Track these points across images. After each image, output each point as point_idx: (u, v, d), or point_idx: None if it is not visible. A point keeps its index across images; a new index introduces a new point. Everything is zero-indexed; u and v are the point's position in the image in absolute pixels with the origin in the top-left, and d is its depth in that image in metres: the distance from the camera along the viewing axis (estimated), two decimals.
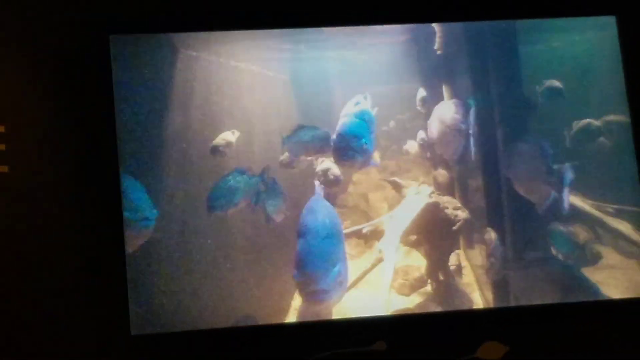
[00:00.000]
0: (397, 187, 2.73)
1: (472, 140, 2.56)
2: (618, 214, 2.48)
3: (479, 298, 2.49)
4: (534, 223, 2.47)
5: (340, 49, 2.64)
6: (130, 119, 2.26)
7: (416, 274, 2.55)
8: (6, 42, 2.26)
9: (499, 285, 2.46)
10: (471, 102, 2.59)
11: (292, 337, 2.27)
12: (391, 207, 2.75)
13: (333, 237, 2.27)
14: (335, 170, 2.71)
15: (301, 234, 2.24)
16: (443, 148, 2.68)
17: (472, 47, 2.57)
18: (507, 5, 2.43)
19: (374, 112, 2.58)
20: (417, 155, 2.85)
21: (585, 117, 2.60)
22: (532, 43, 2.54)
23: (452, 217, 2.55)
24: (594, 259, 2.47)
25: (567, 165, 2.34)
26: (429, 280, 2.53)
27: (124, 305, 2.18)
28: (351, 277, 2.41)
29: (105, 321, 2.20)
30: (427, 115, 2.69)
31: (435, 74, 2.71)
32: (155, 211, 2.25)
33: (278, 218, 2.52)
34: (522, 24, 2.51)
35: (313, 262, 2.16)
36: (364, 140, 2.43)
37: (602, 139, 2.47)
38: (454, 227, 2.53)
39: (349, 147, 2.43)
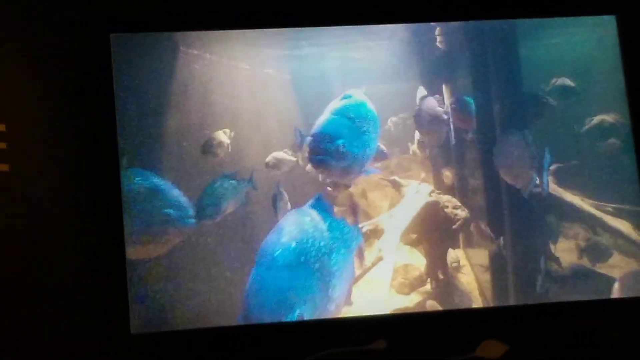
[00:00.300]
0: (397, 185, 2.72)
1: (452, 127, 2.65)
2: (618, 213, 2.48)
3: (478, 297, 2.50)
4: (534, 223, 2.48)
5: (340, 48, 2.61)
6: (131, 118, 2.26)
7: (416, 273, 2.55)
8: (6, 41, 2.26)
9: (499, 284, 2.46)
10: (471, 100, 2.59)
11: (291, 336, 2.26)
12: (391, 206, 2.75)
13: (299, 268, 1.88)
14: None
15: (256, 261, 1.91)
16: (429, 136, 2.72)
17: (472, 46, 2.57)
18: (508, 4, 2.43)
19: (372, 108, 2.37)
20: (423, 155, 2.81)
21: (585, 117, 2.60)
22: (532, 42, 2.54)
23: (452, 216, 2.55)
24: (604, 255, 2.47)
25: (546, 149, 2.41)
26: (429, 279, 2.54)
27: (124, 304, 2.18)
28: None
29: (105, 320, 2.20)
30: None
31: (436, 73, 2.70)
32: (193, 210, 2.23)
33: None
34: (522, 23, 2.51)
35: (261, 303, 1.82)
36: (340, 142, 2.12)
37: (612, 139, 2.49)
38: (454, 226, 2.53)
39: (319, 150, 2.12)
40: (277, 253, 1.90)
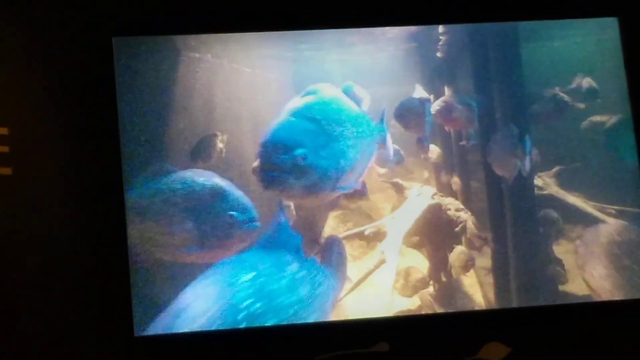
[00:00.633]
0: (400, 188, 2.71)
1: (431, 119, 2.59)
2: (620, 215, 2.48)
3: (481, 299, 2.50)
4: (536, 225, 2.48)
5: (341, 50, 2.60)
6: (133, 120, 2.26)
7: (418, 275, 2.54)
8: (9, 45, 2.26)
9: (501, 286, 2.47)
10: (473, 103, 2.60)
11: (295, 339, 2.27)
12: (393, 208, 2.74)
13: None
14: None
15: None
16: (415, 129, 2.64)
17: (474, 48, 2.57)
18: (510, 7, 2.43)
19: (363, 104, 2.11)
20: (439, 159, 2.77)
21: (587, 118, 2.60)
22: (534, 45, 2.54)
23: (455, 219, 2.55)
24: None
25: (527, 136, 2.44)
26: (431, 282, 2.54)
27: (128, 307, 2.18)
28: (354, 278, 2.41)
29: (109, 322, 2.21)
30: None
31: (438, 75, 2.70)
32: (256, 213, 2.08)
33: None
34: (524, 25, 2.51)
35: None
36: (299, 152, 1.74)
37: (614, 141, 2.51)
38: (456, 229, 2.53)
39: (270, 164, 1.75)
40: None
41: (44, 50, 2.28)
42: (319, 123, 1.86)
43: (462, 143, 2.61)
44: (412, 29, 2.56)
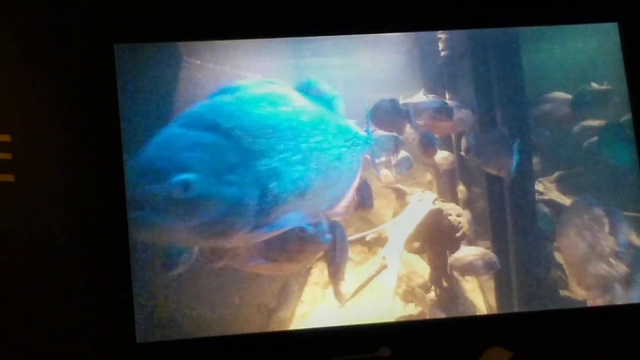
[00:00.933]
0: (401, 194, 2.71)
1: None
2: None
3: (482, 304, 2.50)
4: (537, 229, 2.49)
5: (344, 57, 2.59)
6: (136, 127, 2.26)
7: (420, 281, 2.54)
8: (11, 52, 2.27)
9: (503, 291, 2.47)
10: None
11: (296, 344, 2.27)
12: (395, 214, 2.74)
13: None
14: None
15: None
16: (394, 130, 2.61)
17: (475, 54, 2.57)
18: (510, 12, 2.44)
19: (336, 104, 1.67)
20: (450, 165, 2.73)
21: (588, 122, 2.60)
22: (534, 50, 2.54)
23: (456, 224, 2.55)
24: None
25: (518, 139, 2.47)
26: (433, 287, 2.54)
27: (130, 313, 2.18)
28: (355, 284, 2.42)
29: (111, 329, 2.21)
30: None
31: (439, 81, 2.69)
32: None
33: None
34: (524, 31, 2.52)
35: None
36: (180, 179, 1.27)
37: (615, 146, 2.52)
38: (457, 234, 2.54)
39: (135, 198, 1.32)
40: None
41: (45, 57, 2.29)
42: (227, 134, 1.38)
43: (461, 153, 2.61)
44: (415, 34, 2.56)
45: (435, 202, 2.63)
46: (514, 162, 2.45)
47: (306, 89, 1.87)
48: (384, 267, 2.46)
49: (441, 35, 2.57)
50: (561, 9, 2.45)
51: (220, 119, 1.43)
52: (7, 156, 2.22)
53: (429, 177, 2.77)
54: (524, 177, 2.50)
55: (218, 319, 2.32)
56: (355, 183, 1.97)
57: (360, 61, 2.58)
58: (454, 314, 2.45)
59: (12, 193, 2.21)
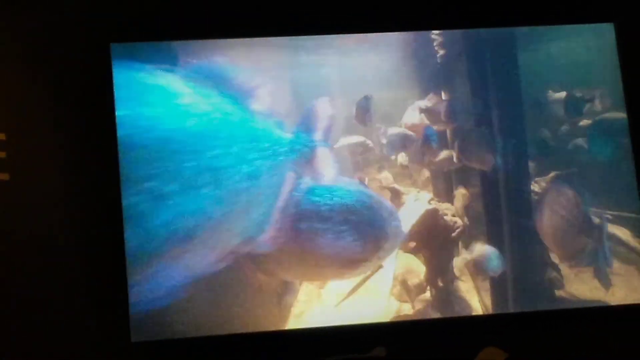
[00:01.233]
0: (396, 194, 2.70)
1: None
2: (617, 221, 2.48)
3: (477, 304, 2.50)
4: (533, 230, 2.49)
5: (340, 55, 2.59)
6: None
7: (415, 281, 2.54)
8: (7, 51, 2.28)
9: (498, 291, 2.47)
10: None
11: (291, 344, 2.27)
12: None
13: None
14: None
15: None
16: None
17: (471, 54, 2.57)
18: (506, 12, 2.44)
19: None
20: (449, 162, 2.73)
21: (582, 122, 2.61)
22: (530, 50, 2.54)
23: (451, 224, 2.55)
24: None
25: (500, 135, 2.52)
26: (428, 287, 2.54)
27: (124, 312, 2.18)
28: (351, 284, 2.42)
29: (105, 328, 2.21)
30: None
31: (435, 80, 2.69)
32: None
33: None
34: (520, 31, 2.52)
35: None
36: None
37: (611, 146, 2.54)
38: (453, 234, 2.54)
39: None
40: None
41: (41, 56, 2.29)
42: None
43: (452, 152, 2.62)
44: (411, 34, 2.56)
45: (431, 202, 2.63)
46: (497, 158, 2.49)
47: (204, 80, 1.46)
48: (380, 267, 2.46)
49: (437, 35, 2.57)
50: (557, 9, 2.45)
51: None
52: (2, 155, 2.22)
53: (426, 174, 2.75)
54: (520, 177, 2.50)
55: (213, 318, 2.32)
56: (281, 202, 1.67)
57: (356, 60, 2.58)
58: (449, 314, 2.45)
59: (7, 192, 2.20)
